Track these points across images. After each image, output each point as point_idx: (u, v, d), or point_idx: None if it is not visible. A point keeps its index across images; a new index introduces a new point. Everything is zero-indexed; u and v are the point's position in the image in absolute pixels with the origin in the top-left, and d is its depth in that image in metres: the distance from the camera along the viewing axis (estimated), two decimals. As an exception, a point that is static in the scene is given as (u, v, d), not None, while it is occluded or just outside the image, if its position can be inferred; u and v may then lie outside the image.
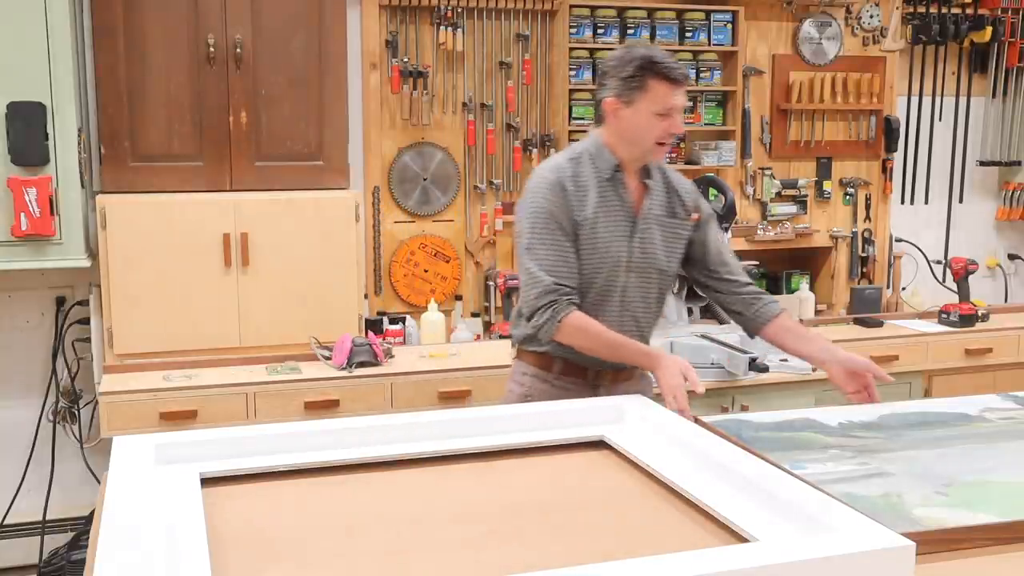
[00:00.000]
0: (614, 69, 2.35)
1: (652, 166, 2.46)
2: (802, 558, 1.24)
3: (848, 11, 4.59)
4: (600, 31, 4.16)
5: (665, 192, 2.48)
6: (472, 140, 4.18)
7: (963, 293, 4.19)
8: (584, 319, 2.33)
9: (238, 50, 3.49)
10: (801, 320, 4.04)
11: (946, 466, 1.76)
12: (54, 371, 3.76)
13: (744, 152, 4.48)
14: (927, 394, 3.87)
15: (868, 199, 4.74)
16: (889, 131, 4.70)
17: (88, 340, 3.65)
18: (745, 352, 3.55)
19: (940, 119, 4.97)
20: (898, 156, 4.84)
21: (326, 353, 3.45)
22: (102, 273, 3.39)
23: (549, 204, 2.34)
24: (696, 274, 2.58)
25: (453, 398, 3.42)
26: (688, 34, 4.25)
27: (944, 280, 4.91)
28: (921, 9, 4.75)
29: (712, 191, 3.76)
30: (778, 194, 4.57)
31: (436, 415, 2.06)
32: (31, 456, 3.76)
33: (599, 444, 1.89)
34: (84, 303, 3.71)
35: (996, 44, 4.89)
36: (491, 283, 4.21)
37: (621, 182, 2.40)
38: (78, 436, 3.79)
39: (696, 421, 2.10)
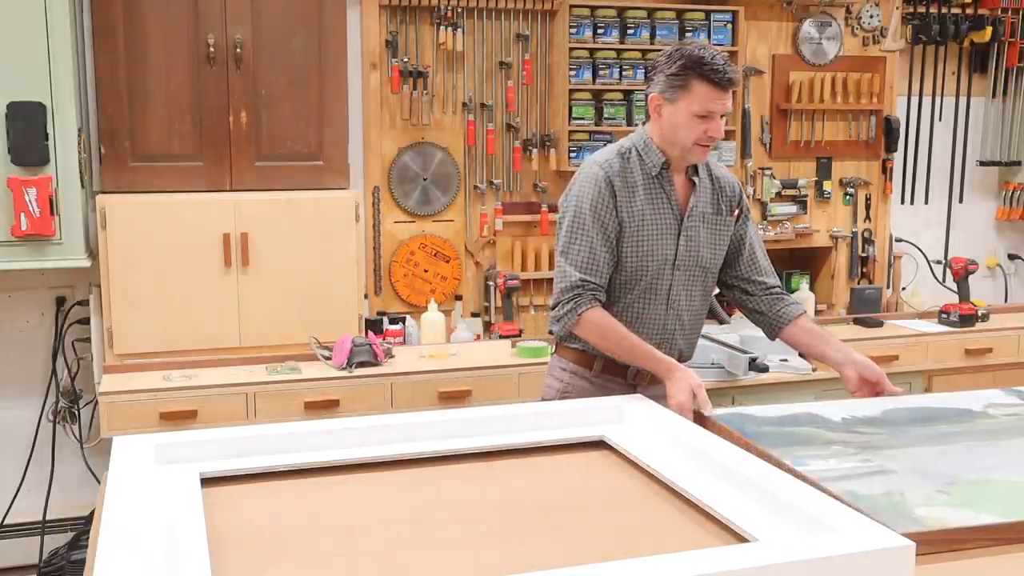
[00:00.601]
0: (663, 65, 2.33)
1: (699, 163, 2.44)
2: (802, 558, 1.24)
3: (848, 11, 4.59)
4: (600, 31, 4.16)
5: (711, 188, 2.47)
6: (472, 140, 4.18)
7: (963, 293, 4.19)
8: (604, 316, 2.33)
9: (238, 50, 3.49)
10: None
11: (949, 464, 1.76)
12: (54, 371, 3.76)
13: (744, 152, 4.48)
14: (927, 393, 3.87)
15: (868, 199, 4.74)
16: (889, 131, 4.70)
17: (88, 340, 3.65)
18: (745, 352, 3.56)
19: (940, 119, 4.97)
20: (898, 156, 4.84)
21: (326, 353, 3.45)
22: (102, 273, 3.39)
23: (592, 202, 2.34)
24: (723, 274, 2.56)
25: (453, 398, 3.42)
26: (688, 34, 4.25)
27: (944, 280, 4.91)
28: (921, 9, 4.75)
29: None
30: (778, 194, 4.57)
31: (436, 415, 2.06)
32: (31, 456, 3.76)
33: (599, 444, 1.89)
34: (84, 303, 3.71)
35: (996, 44, 4.89)
36: (491, 283, 4.21)
37: (668, 179, 2.40)
38: (78, 436, 3.79)
39: (697, 416, 2.09)
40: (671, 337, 2.44)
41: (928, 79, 4.91)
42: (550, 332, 2.52)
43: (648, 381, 2.44)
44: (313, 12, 3.57)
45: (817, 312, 4.47)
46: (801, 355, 3.28)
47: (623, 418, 1.99)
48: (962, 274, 4.20)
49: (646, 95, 2.42)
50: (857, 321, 4.15)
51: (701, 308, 2.52)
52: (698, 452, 1.73)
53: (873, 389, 2.29)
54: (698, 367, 3.60)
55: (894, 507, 1.53)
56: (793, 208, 4.61)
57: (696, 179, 2.43)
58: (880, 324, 4.11)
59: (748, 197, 4.51)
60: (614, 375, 2.43)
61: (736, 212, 2.50)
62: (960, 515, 1.51)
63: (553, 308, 2.40)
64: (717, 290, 3.71)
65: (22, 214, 3.19)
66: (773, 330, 2.51)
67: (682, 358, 2.51)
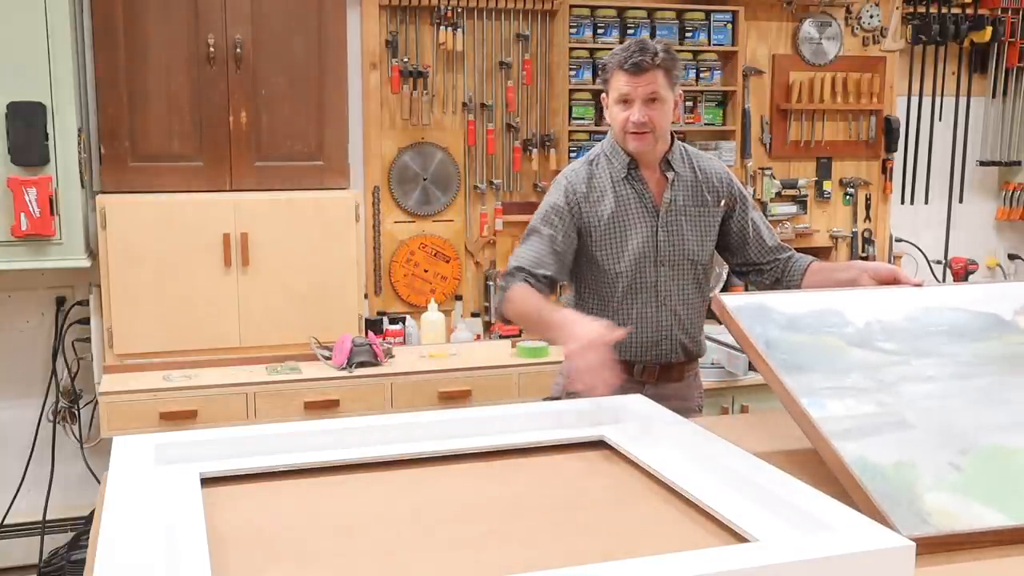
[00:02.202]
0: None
1: (675, 156, 2.45)
2: (802, 558, 1.24)
3: (848, 11, 4.59)
4: (600, 31, 4.16)
5: (693, 180, 2.47)
6: (472, 140, 4.18)
7: (963, 293, 4.19)
8: (521, 289, 2.29)
9: (238, 50, 3.49)
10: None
11: (966, 418, 1.66)
12: (54, 371, 3.76)
13: (744, 152, 4.48)
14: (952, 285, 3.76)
15: (868, 199, 4.75)
16: (889, 131, 4.71)
17: (88, 340, 3.65)
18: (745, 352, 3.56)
19: (940, 119, 4.97)
20: (898, 156, 4.84)
21: (326, 353, 3.46)
22: (102, 273, 3.39)
23: (549, 208, 2.40)
24: (735, 263, 2.57)
25: (453, 398, 3.42)
26: (688, 34, 4.25)
27: (944, 280, 4.91)
28: (921, 9, 4.75)
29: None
30: (778, 194, 4.57)
31: (436, 415, 2.06)
32: (31, 456, 3.76)
33: (599, 444, 1.89)
34: (84, 303, 3.71)
35: (996, 44, 4.89)
36: (491, 283, 4.21)
37: (639, 178, 2.42)
38: (78, 436, 3.79)
39: (715, 302, 1.96)
40: (669, 333, 2.44)
41: (928, 79, 4.91)
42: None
43: (656, 379, 2.45)
44: (313, 12, 3.58)
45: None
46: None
47: (623, 418, 1.99)
48: (962, 274, 4.20)
49: None
50: (857, 321, 4.14)
51: (698, 302, 2.51)
52: (698, 452, 1.73)
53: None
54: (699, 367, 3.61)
55: (903, 486, 1.49)
56: (793, 208, 4.61)
57: (670, 174, 2.44)
58: (880, 324, 4.10)
59: (748, 197, 4.53)
60: (621, 371, 2.43)
61: (724, 203, 2.50)
62: (967, 506, 1.48)
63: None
64: (717, 290, 3.73)
65: (22, 214, 3.19)
66: (794, 287, 2.49)
67: (689, 354, 2.51)
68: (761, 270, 2.54)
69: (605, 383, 1.91)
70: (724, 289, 3.87)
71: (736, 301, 1.93)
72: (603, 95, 2.44)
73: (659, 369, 2.45)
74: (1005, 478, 1.55)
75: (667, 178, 2.44)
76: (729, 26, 4.31)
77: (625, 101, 2.34)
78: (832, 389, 1.69)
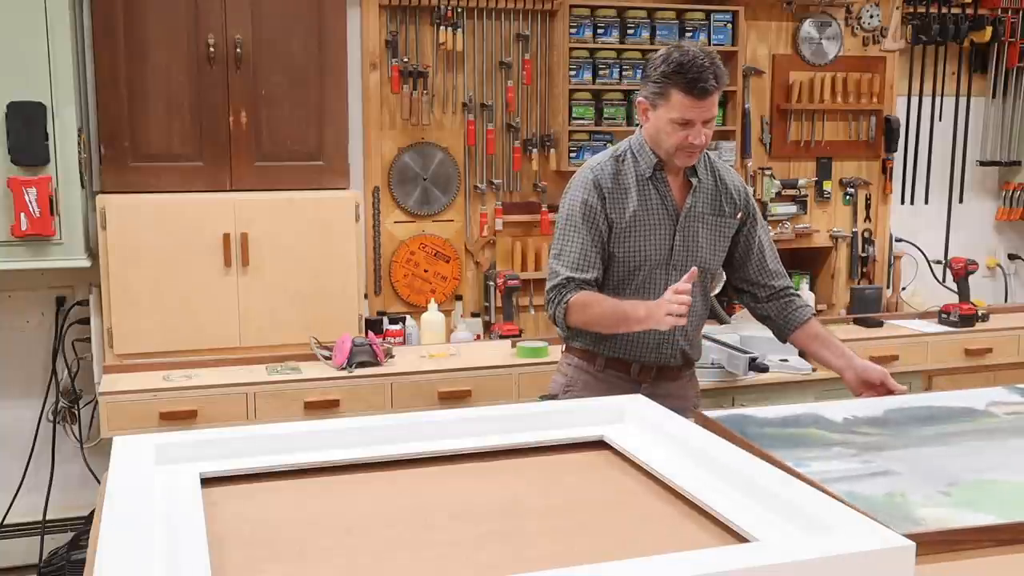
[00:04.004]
0: (649, 69, 2.36)
1: (700, 162, 2.45)
2: (802, 558, 1.24)
3: (848, 11, 4.59)
4: (600, 31, 4.16)
5: (713, 189, 2.47)
6: (472, 140, 4.18)
7: (963, 293, 4.19)
8: (586, 295, 2.35)
9: (238, 50, 3.49)
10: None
11: (951, 464, 1.75)
12: (54, 371, 3.76)
13: (744, 152, 4.48)
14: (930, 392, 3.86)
15: (868, 199, 4.74)
16: (889, 131, 4.70)
17: (88, 340, 3.65)
18: (745, 352, 3.55)
19: (940, 119, 4.97)
20: (898, 156, 4.84)
21: (326, 353, 3.45)
22: (102, 273, 3.39)
23: (581, 204, 2.39)
24: (734, 278, 2.58)
25: (453, 398, 3.42)
26: (688, 34, 4.25)
27: (944, 280, 4.91)
28: (921, 9, 4.75)
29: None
30: (778, 194, 4.57)
31: (436, 415, 2.06)
32: (31, 456, 3.76)
33: (599, 444, 1.89)
34: (84, 303, 3.71)
35: (996, 44, 4.89)
36: (491, 283, 4.21)
37: (663, 180, 2.42)
38: (78, 436, 3.79)
39: (698, 417, 2.09)
40: (671, 337, 2.44)
41: (928, 79, 4.91)
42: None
43: (652, 378, 2.45)
44: (313, 12, 3.58)
45: (817, 312, 4.45)
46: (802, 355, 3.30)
47: (623, 418, 1.99)
48: (962, 274, 4.20)
49: (636, 98, 2.45)
50: (857, 321, 4.15)
51: (701, 310, 2.52)
52: (698, 452, 1.73)
53: (878, 392, 2.30)
54: (698, 367, 3.61)
55: (895, 508, 1.53)
56: (793, 208, 4.61)
57: (694, 180, 2.44)
58: (880, 324, 4.11)
59: (748, 197, 4.53)
60: (618, 371, 2.46)
61: (740, 215, 2.50)
62: (961, 515, 1.51)
63: (547, 309, 2.44)
64: (717, 290, 3.73)
65: (22, 214, 3.19)
66: (782, 334, 2.54)
67: (687, 359, 2.51)
68: (757, 296, 2.55)
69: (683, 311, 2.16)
70: (724, 291, 3.86)
71: (717, 413, 2.08)
72: (641, 98, 2.38)
73: (656, 370, 2.46)
74: (993, 498, 1.60)
75: (690, 183, 2.44)
76: (729, 26, 4.31)
77: (686, 123, 2.29)
78: (816, 458, 1.78)
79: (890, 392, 2.29)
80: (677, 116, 2.29)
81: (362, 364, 3.39)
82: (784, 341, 2.56)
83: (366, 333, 3.64)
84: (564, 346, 2.59)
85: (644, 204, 2.40)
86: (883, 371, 2.32)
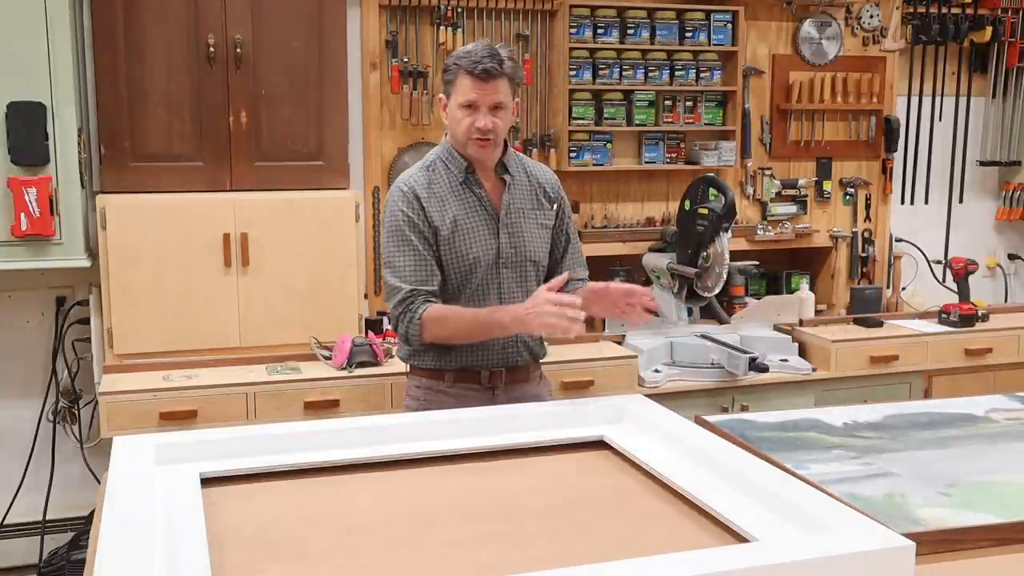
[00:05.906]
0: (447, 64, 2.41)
1: (510, 160, 2.48)
2: (802, 558, 1.24)
3: (848, 11, 4.59)
4: (600, 31, 4.16)
5: (527, 184, 2.50)
6: (472, 140, 4.18)
7: (963, 293, 4.19)
8: (438, 309, 2.34)
9: (238, 50, 3.49)
10: (801, 321, 4.04)
11: (950, 467, 1.77)
12: (54, 371, 3.76)
13: (744, 152, 4.48)
14: (927, 394, 3.87)
15: (868, 199, 4.74)
16: (889, 131, 4.70)
17: (88, 340, 3.65)
18: (745, 352, 3.56)
19: (940, 119, 4.97)
20: (898, 156, 4.84)
21: (326, 353, 3.45)
22: (102, 273, 3.38)
23: (403, 216, 2.39)
24: (549, 269, 2.57)
25: (453, 398, 3.42)
26: (688, 34, 4.25)
27: (944, 280, 4.91)
28: (921, 9, 4.75)
29: (712, 191, 3.76)
30: (778, 194, 4.57)
31: (436, 415, 2.06)
32: (31, 456, 3.76)
33: (599, 444, 1.89)
34: (84, 303, 3.71)
35: (996, 44, 4.88)
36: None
37: (477, 183, 2.44)
38: (78, 436, 3.79)
39: (698, 421, 2.10)
40: (513, 336, 2.43)
41: (928, 79, 4.91)
42: (401, 358, 2.54)
43: (505, 382, 2.45)
44: (313, 12, 3.57)
45: (817, 312, 4.47)
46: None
47: (623, 418, 1.99)
48: (962, 274, 4.20)
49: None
50: (857, 321, 4.15)
51: None
52: (698, 452, 1.73)
53: (608, 299, 2.33)
54: (698, 367, 3.62)
55: (895, 508, 1.54)
56: (793, 208, 4.61)
57: (507, 177, 2.46)
58: (880, 324, 4.10)
59: (748, 197, 4.54)
60: (468, 382, 2.44)
61: (556, 206, 2.53)
62: (961, 516, 1.51)
63: (395, 328, 2.41)
64: (717, 290, 3.73)
65: (22, 214, 3.19)
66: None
67: (533, 354, 2.52)
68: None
69: (570, 320, 2.10)
70: (724, 291, 3.87)
71: (716, 418, 2.10)
72: (440, 96, 2.44)
73: (506, 372, 2.45)
74: (993, 499, 1.61)
75: (504, 182, 2.47)
76: (729, 26, 4.31)
77: (470, 106, 2.33)
78: (816, 460, 1.80)
79: (616, 292, 2.31)
80: (463, 99, 2.33)
81: (362, 364, 3.39)
82: None
83: (366, 333, 3.64)
84: (408, 368, 2.56)
85: (464, 209, 2.41)
86: (603, 284, 2.36)
